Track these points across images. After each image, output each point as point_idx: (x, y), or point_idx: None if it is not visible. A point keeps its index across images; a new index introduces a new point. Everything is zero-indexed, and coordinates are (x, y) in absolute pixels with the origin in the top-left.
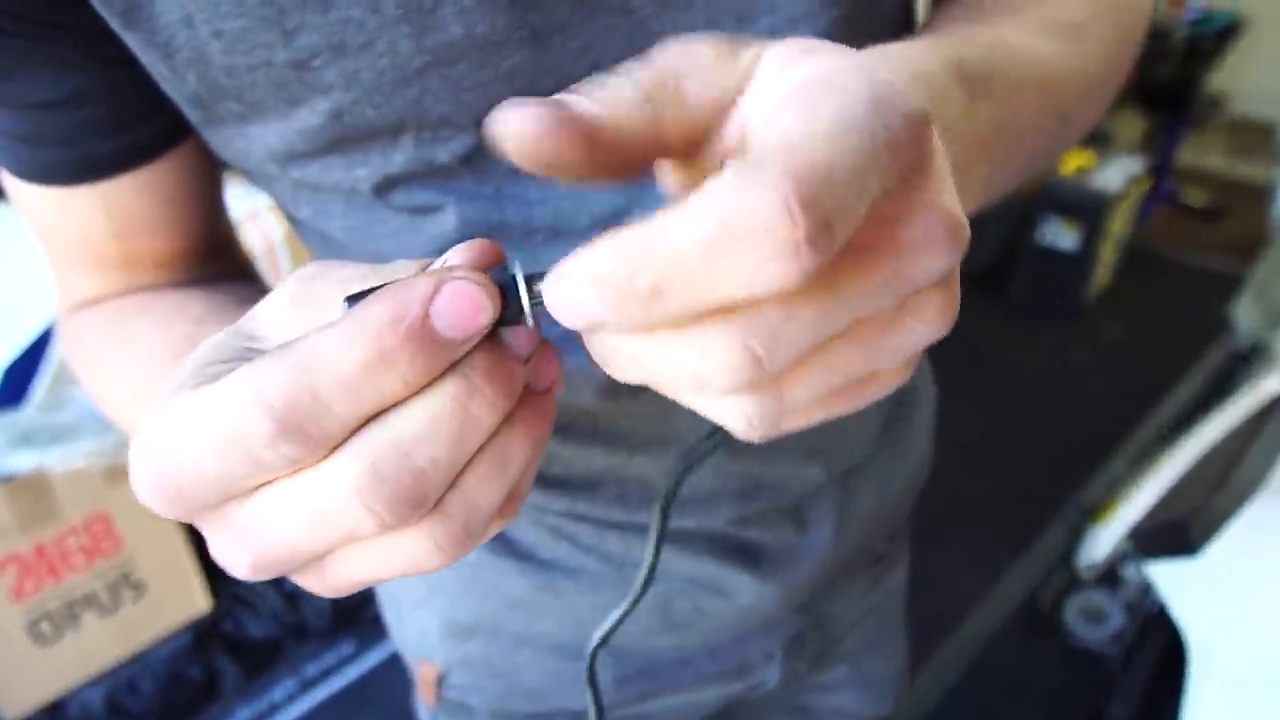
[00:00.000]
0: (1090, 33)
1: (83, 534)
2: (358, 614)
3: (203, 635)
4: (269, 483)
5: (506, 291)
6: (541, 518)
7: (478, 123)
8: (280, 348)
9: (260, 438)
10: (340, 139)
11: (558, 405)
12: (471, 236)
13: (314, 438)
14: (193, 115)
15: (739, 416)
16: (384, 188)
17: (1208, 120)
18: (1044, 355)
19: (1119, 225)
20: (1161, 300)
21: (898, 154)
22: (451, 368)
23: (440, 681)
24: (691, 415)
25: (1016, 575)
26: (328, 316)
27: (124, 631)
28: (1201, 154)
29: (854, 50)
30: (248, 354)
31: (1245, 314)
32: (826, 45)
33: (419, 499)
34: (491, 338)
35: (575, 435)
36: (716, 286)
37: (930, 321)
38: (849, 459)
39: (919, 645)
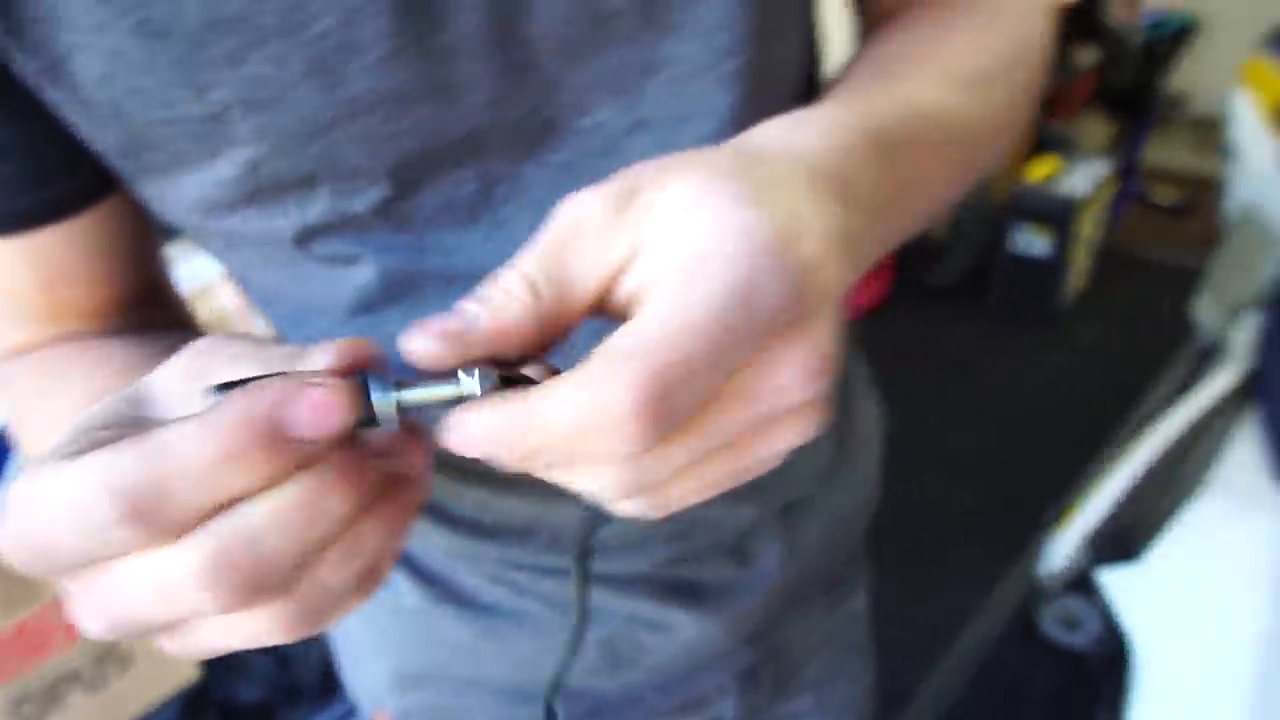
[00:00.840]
0: (993, 84)
1: (65, 610)
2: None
3: (192, 703)
4: (115, 559)
5: (368, 394)
6: (479, 565)
7: (391, 173)
8: (136, 437)
9: (106, 521)
10: (257, 190)
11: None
12: (392, 285)
13: (159, 525)
14: (119, 167)
15: (628, 509)
16: (303, 239)
17: (1170, 120)
18: (1023, 362)
19: (1089, 229)
20: (1137, 300)
21: (762, 336)
22: (307, 463)
23: None
24: None
25: (1010, 585)
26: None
27: (111, 707)
28: (1167, 153)
29: (747, 189)
30: (134, 422)
31: (1205, 311)
32: (718, 194)
33: (261, 586)
34: (352, 436)
35: (503, 486)
36: (582, 454)
37: (794, 434)
38: (788, 496)
39: (917, 661)
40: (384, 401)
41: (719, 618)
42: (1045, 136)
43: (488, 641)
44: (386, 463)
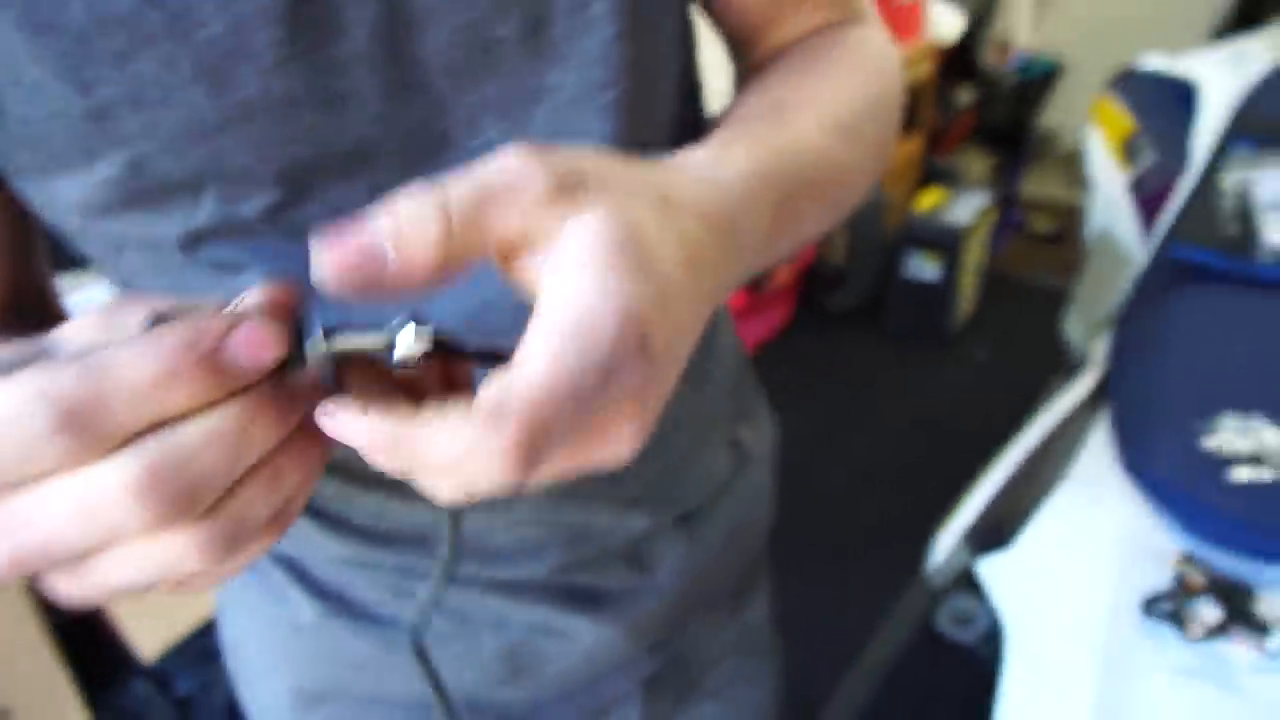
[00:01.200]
0: (865, 132)
1: None
2: None
3: None
4: (40, 479)
5: (301, 338)
6: (377, 577)
7: (280, 179)
8: (75, 355)
9: (39, 429)
10: (140, 191)
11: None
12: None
13: (93, 436)
14: None
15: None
16: (189, 244)
17: (1043, 155)
18: (920, 381)
19: (974, 254)
20: (1021, 321)
21: (621, 395)
22: (237, 394)
23: None
24: None
25: (913, 592)
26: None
27: None
28: (1042, 185)
29: (644, 259)
30: (42, 358)
31: (1072, 328)
32: (623, 256)
33: (191, 502)
34: (279, 376)
35: (402, 489)
36: (443, 475)
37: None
38: (685, 506)
39: (825, 670)
40: (314, 343)
41: (618, 624)
42: (931, 170)
43: (388, 654)
44: (309, 405)
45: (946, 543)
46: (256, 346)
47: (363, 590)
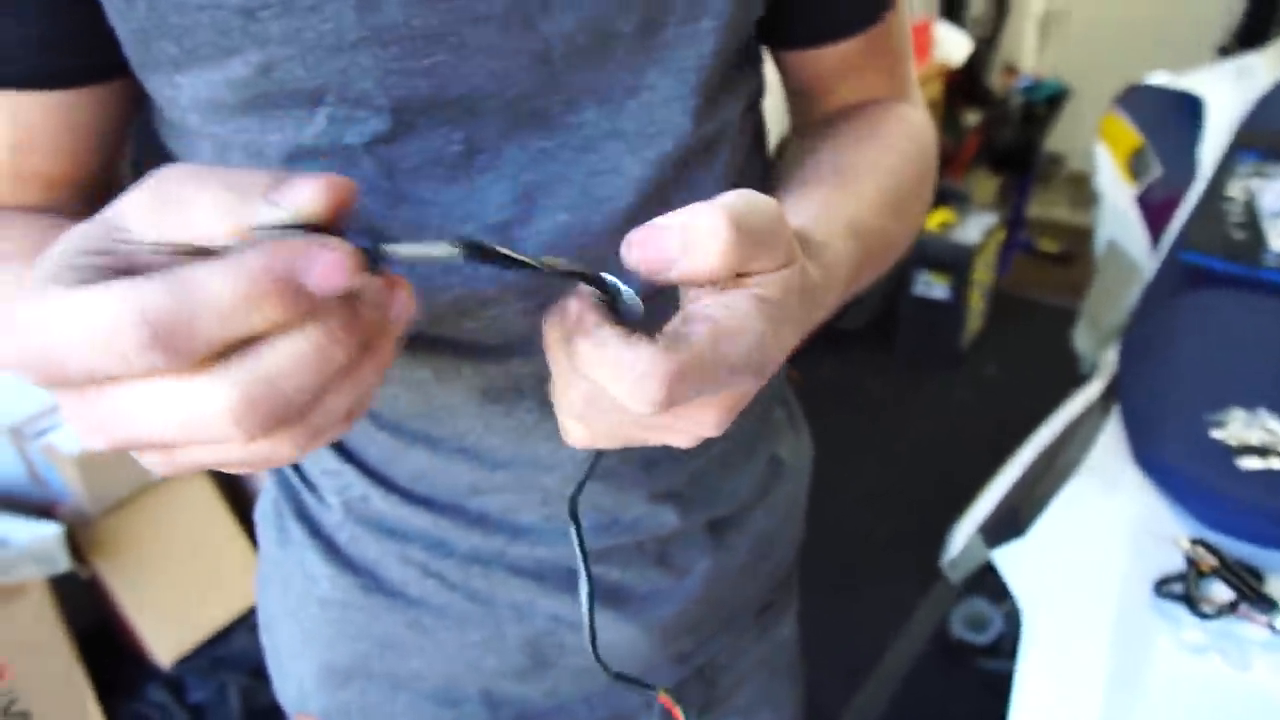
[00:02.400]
0: (912, 209)
1: None
2: (270, 718)
3: None
4: (134, 380)
5: (368, 252)
6: (408, 554)
7: (393, 110)
8: (165, 271)
9: (132, 343)
10: (264, 96)
11: (440, 416)
12: (363, 227)
13: (181, 353)
14: (132, 55)
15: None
16: (291, 159)
17: (1051, 177)
18: (931, 399)
19: (982, 274)
20: (1029, 339)
21: (727, 390)
22: (316, 312)
23: None
24: (551, 436)
25: (927, 609)
26: (189, 217)
27: None
28: (1049, 207)
29: (781, 290)
30: (115, 245)
31: (1082, 340)
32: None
33: (283, 419)
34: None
35: (444, 449)
36: (605, 398)
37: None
38: (715, 511)
39: (840, 689)
40: (382, 253)
41: (643, 625)
42: (940, 191)
43: (413, 633)
44: (375, 310)
45: (963, 535)
46: (336, 272)
47: (394, 569)
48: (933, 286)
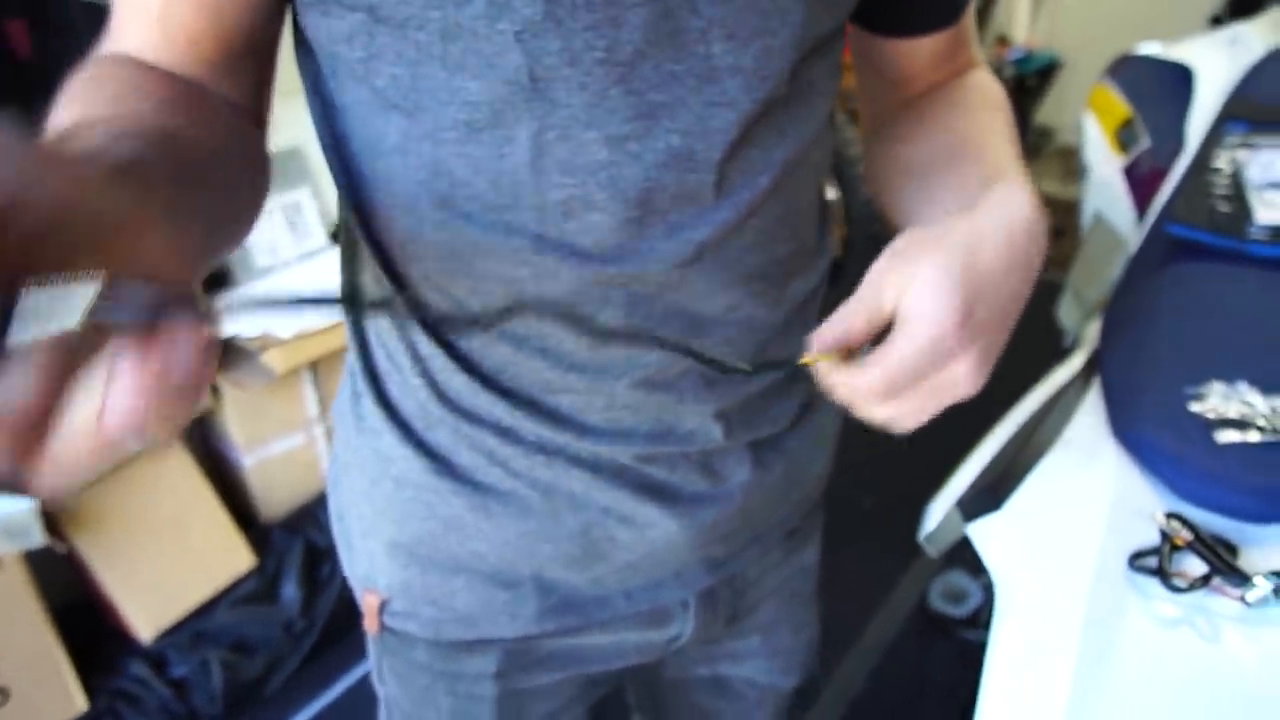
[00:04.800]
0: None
1: None
2: (252, 696)
3: None
4: None
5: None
6: (480, 440)
7: (547, 1)
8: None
9: None
10: None
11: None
12: (502, 108)
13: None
14: None
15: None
16: (447, 38)
17: (1041, 150)
18: None
19: None
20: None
21: (955, 353)
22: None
23: (383, 609)
24: (625, 351)
25: (909, 581)
26: None
27: None
28: (1039, 180)
29: (953, 282)
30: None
31: (1066, 314)
32: (938, 280)
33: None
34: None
35: (527, 347)
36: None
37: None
38: (756, 432)
39: (821, 661)
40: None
41: (686, 523)
42: None
43: (476, 516)
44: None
45: (939, 509)
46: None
47: (464, 454)
48: None
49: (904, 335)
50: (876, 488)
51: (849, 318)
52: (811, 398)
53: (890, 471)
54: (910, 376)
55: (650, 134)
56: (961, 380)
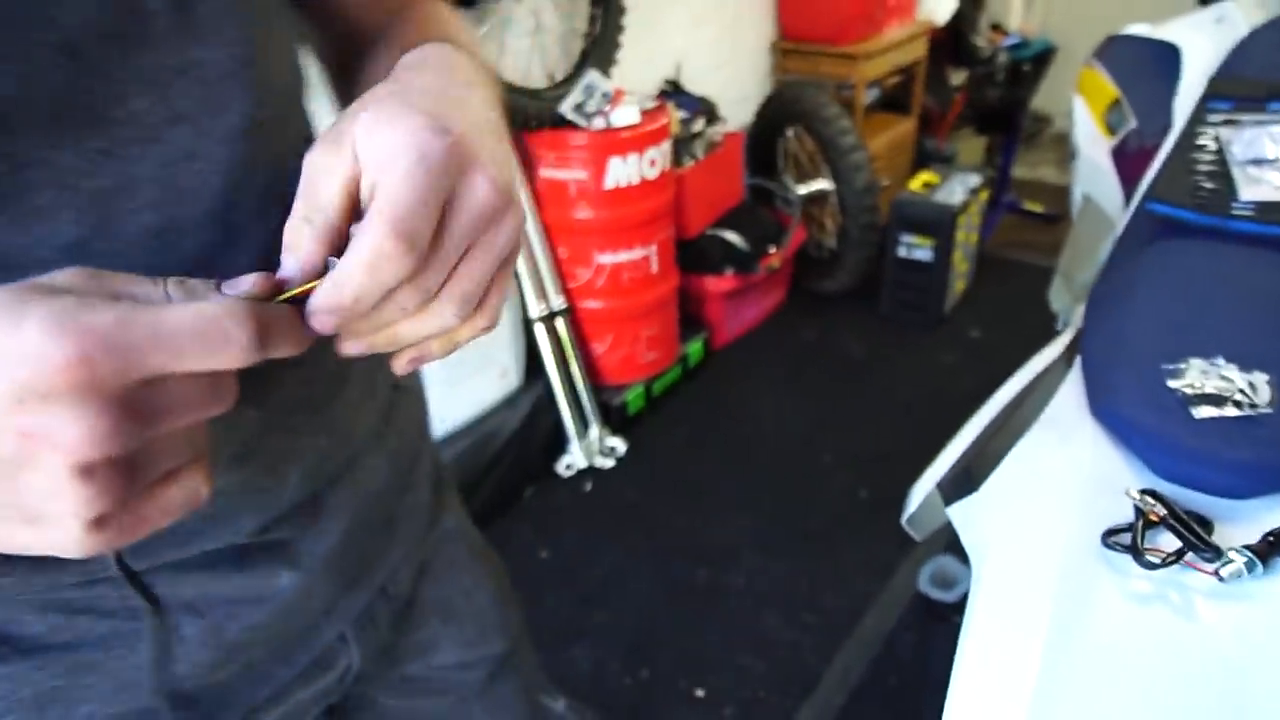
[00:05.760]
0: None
1: None
2: None
3: None
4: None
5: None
6: (47, 598)
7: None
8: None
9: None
10: None
11: None
12: None
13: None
14: None
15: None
16: None
17: (1037, 137)
18: (916, 361)
19: (965, 234)
20: (1013, 300)
21: (447, 174)
22: None
23: None
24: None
25: (907, 570)
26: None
27: None
28: (1035, 167)
29: (408, 107)
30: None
31: (1057, 297)
32: (390, 112)
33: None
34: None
35: None
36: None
37: (509, 232)
38: (354, 445)
39: (821, 649)
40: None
41: (306, 570)
42: (925, 152)
43: (76, 678)
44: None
45: (920, 493)
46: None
47: (31, 623)
48: (915, 248)
49: (387, 176)
50: (872, 479)
51: (299, 222)
52: (401, 388)
53: (886, 462)
54: (421, 213)
55: (111, 225)
56: (490, 197)
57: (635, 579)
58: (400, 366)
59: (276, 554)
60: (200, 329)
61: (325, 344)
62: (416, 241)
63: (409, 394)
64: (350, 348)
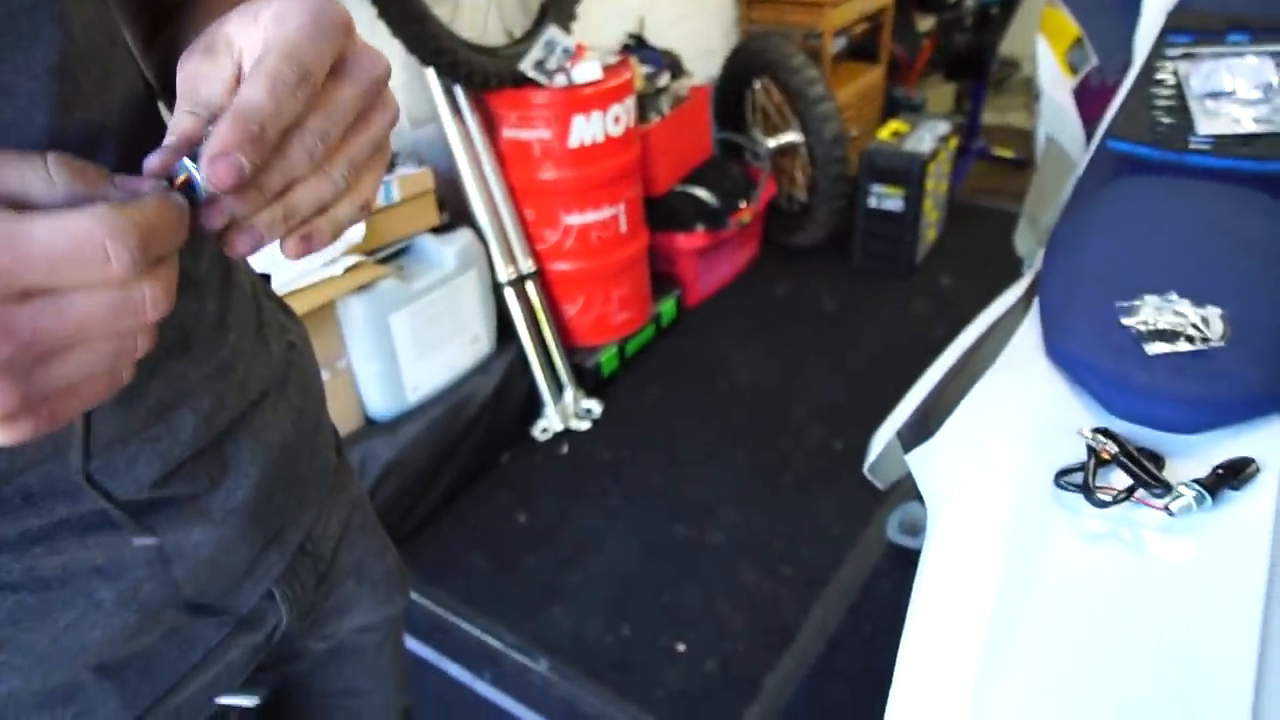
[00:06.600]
0: None
1: None
2: None
3: None
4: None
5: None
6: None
7: None
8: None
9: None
10: None
11: None
12: None
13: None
14: None
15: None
16: None
17: (1005, 81)
18: (888, 311)
19: (936, 183)
20: (984, 247)
21: (338, 30)
22: None
23: None
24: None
25: (881, 518)
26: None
27: None
28: (1004, 112)
29: None
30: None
31: (1021, 241)
32: (265, 2)
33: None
34: None
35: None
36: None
37: (387, 116)
38: (249, 396)
39: (799, 599)
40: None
41: (218, 524)
42: (893, 101)
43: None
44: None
45: (880, 441)
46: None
47: None
48: (886, 198)
49: (279, 30)
50: (846, 430)
51: (183, 115)
52: (294, 346)
53: (860, 413)
54: (315, 49)
55: None
56: (378, 70)
57: (614, 538)
58: (291, 248)
59: (186, 509)
60: (74, 252)
61: (194, 282)
62: (312, 70)
63: (305, 356)
64: (241, 242)
